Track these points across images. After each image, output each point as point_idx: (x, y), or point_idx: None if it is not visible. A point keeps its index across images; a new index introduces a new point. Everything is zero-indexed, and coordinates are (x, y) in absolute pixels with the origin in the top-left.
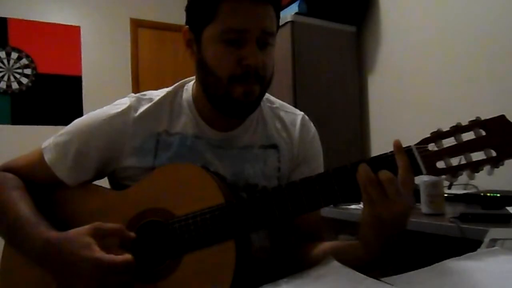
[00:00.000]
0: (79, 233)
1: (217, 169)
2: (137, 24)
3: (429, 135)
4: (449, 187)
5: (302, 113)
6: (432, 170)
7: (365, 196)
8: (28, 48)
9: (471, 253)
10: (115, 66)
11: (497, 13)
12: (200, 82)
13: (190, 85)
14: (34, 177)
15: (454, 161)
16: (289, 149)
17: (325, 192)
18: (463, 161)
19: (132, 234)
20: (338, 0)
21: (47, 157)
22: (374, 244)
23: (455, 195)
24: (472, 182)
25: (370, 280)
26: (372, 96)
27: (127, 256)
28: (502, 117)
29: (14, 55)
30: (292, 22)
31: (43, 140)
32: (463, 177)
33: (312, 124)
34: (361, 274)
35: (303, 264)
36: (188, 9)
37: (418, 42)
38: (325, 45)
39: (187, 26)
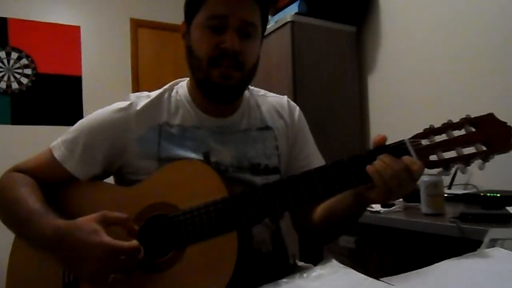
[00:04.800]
0: (87, 220)
1: (221, 153)
2: (137, 24)
3: (421, 131)
4: (449, 187)
5: (285, 96)
6: (425, 163)
7: (383, 186)
8: (28, 48)
9: (471, 253)
10: (115, 66)
11: (496, 14)
12: (189, 68)
13: (184, 82)
14: (45, 176)
15: (446, 156)
16: (283, 129)
17: (324, 185)
18: (455, 155)
19: (136, 226)
20: (338, 0)
21: (57, 154)
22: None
23: (455, 195)
24: (472, 182)
25: (370, 280)
26: (372, 96)
27: (134, 242)
28: (491, 115)
29: (14, 55)
30: (292, 22)
31: (43, 140)
32: (463, 177)
33: (294, 103)
34: (361, 274)
35: (304, 229)
36: (184, 4)
37: (418, 42)
38: (325, 45)
39: (183, 20)
